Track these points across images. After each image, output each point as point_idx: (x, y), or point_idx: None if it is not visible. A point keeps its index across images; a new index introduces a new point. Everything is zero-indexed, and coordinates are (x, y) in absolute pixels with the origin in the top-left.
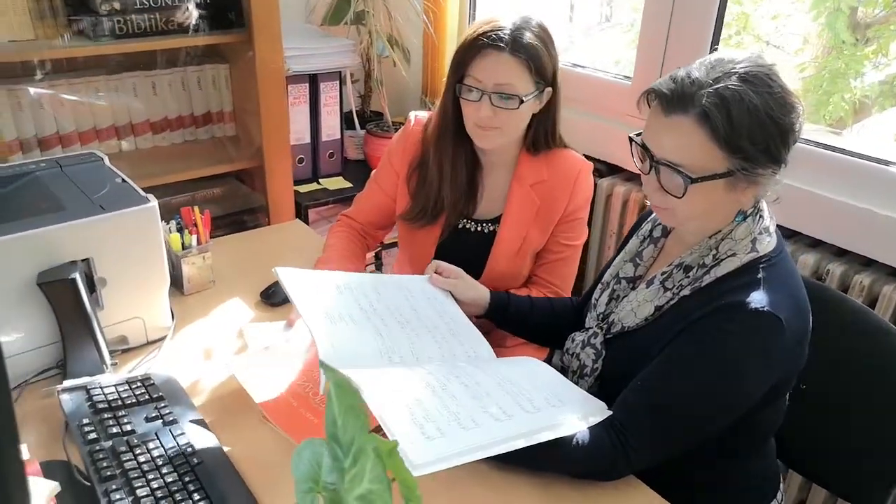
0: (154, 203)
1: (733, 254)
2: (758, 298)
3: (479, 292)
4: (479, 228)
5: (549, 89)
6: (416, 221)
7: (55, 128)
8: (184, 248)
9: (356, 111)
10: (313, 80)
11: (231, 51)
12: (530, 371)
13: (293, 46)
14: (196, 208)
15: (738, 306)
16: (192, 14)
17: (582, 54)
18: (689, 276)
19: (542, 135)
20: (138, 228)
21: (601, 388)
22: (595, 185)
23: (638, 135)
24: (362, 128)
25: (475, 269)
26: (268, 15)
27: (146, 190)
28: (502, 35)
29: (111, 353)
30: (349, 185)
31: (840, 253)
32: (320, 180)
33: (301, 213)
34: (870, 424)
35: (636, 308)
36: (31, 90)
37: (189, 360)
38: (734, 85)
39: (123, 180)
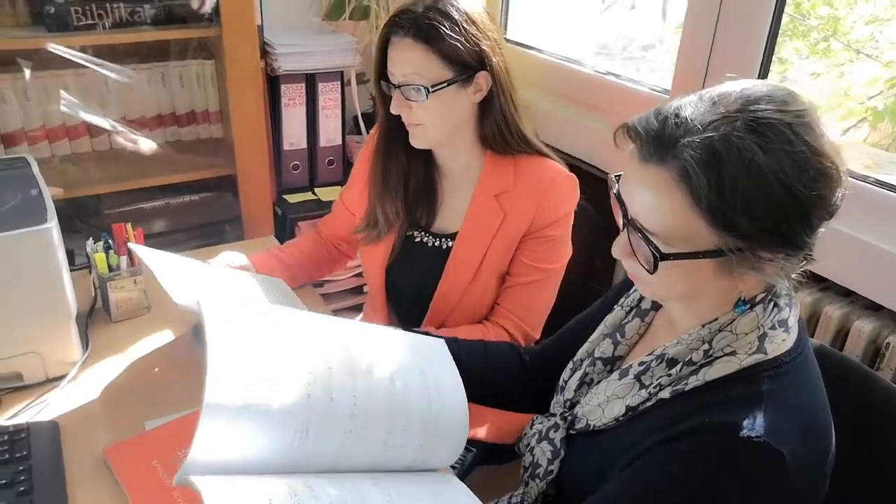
0: (50, 224)
1: (732, 352)
2: (755, 422)
3: None
4: (436, 243)
5: (484, 74)
6: (366, 234)
7: (20, 123)
8: (111, 269)
9: (366, 114)
10: (310, 81)
11: (216, 46)
12: None
13: (286, 43)
14: (128, 225)
15: (726, 430)
16: (161, 6)
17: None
18: (671, 374)
19: (495, 132)
20: (31, 252)
21: (558, 495)
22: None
23: (619, 177)
24: None
25: (428, 290)
26: (240, 8)
27: (111, 196)
28: (403, 20)
29: None
30: None
31: None
32: (315, 189)
33: (286, 226)
34: None
35: (604, 404)
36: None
37: (93, 403)
38: (736, 134)
39: (39, 192)
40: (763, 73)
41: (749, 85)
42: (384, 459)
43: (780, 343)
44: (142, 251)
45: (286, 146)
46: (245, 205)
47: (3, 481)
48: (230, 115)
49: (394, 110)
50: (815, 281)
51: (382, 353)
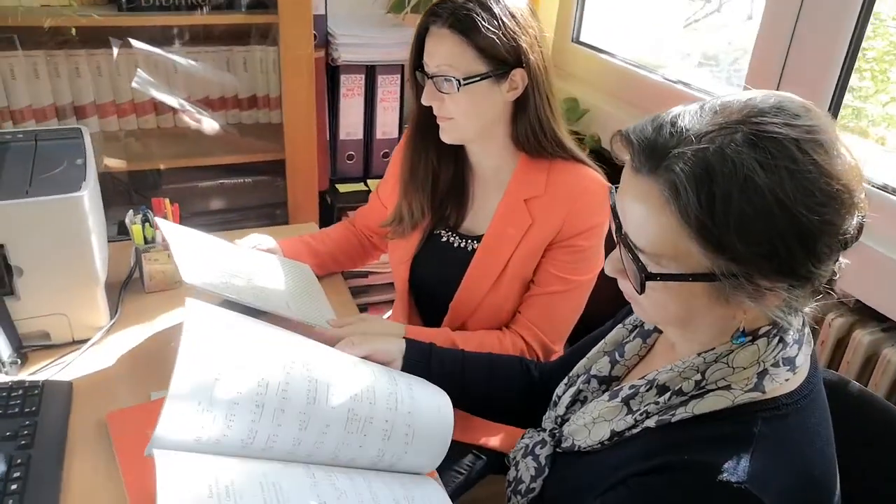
0: (83, 193)
1: (726, 386)
2: (738, 465)
3: (395, 346)
4: (462, 244)
5: (521, 71)
6: (392, 229)
7: (92, 97)
8: (146, 242)
9: None
10: (370, 73)
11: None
12: None
13: (348, 34)
14: (166, 200)
15: (705, 470)
16: None
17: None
18: (658, 403)
19: (528, 134)
20: (62, 218)
21: None
22: None
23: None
24: None
25: (450, 290)
26: None
27: (170, 172)
28: (442, 9)
29: (25, 347)
30: None
31: None
32: (368, 181)
33: (333, 214)
34: None
35: (590, 425)
36: (89, 57)
37: (110, 368)
38: (733, 148)
39: (84, 162)
40: (840, 90)
41: (758, 95)
42: (348, 458)
43: (783, 383)
44: (165, 226)
45: (342, 136)
46: (291, 189)
47: (7, 433)
48: (283, 101)
49: (425, 101)
50: (877, 320)
51: (351, 363)
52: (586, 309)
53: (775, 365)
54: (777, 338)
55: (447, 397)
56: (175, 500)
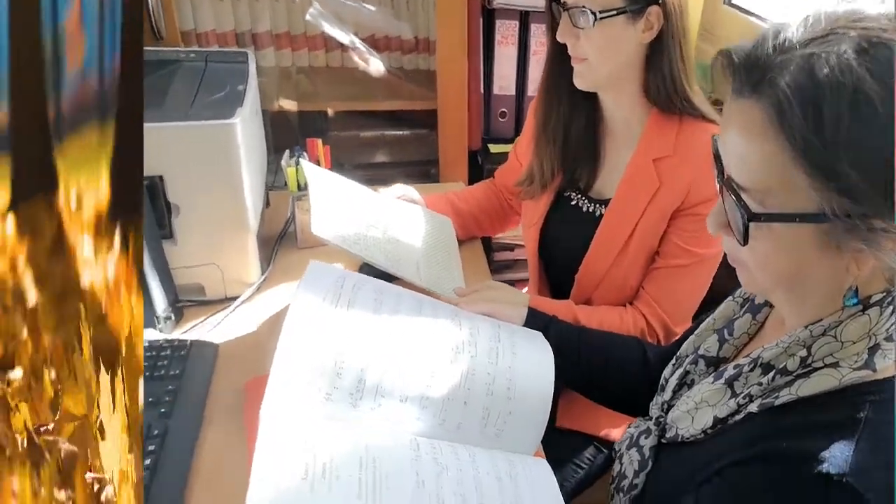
0: (235, 120)
1: (834, 363)
2: (840, 456)
3: (515, 312)
4: (590, 208)
5: (657, 9)
6: (524, 190)
7: (268, 26)
8: (299, 188)
9: None
10: (524, 19)
11: None
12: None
13: None
14: (319, 142)
15: (802, 460)
16: None
17: None
18: (761, 384)
19: (659, 84)
20: (214, 147)
21: None
22: None
23: None
24: None
25: (577, 260)
26: None
27: (339, 116)
28: None
29: (180, 302)
30: None
31: None
32: None
33: (482, 176)
34: None
35: (693, 412)
36: None
37: (259, 329)
38: (840, 57)
39: (245, 89)
40: None
41: (866, 3)
42: (456, 421)
43: None
44: (310, 170)
45: (496, 89)
46: (442, 143)
47: (150, 399)
48: (437, 44)
49: (559, 37)
50: None
51: (457, 319)
52: (711, 292)
53: (888, 339)
54: (891, 307)
55: (550, 353)
56: (267, 485)
